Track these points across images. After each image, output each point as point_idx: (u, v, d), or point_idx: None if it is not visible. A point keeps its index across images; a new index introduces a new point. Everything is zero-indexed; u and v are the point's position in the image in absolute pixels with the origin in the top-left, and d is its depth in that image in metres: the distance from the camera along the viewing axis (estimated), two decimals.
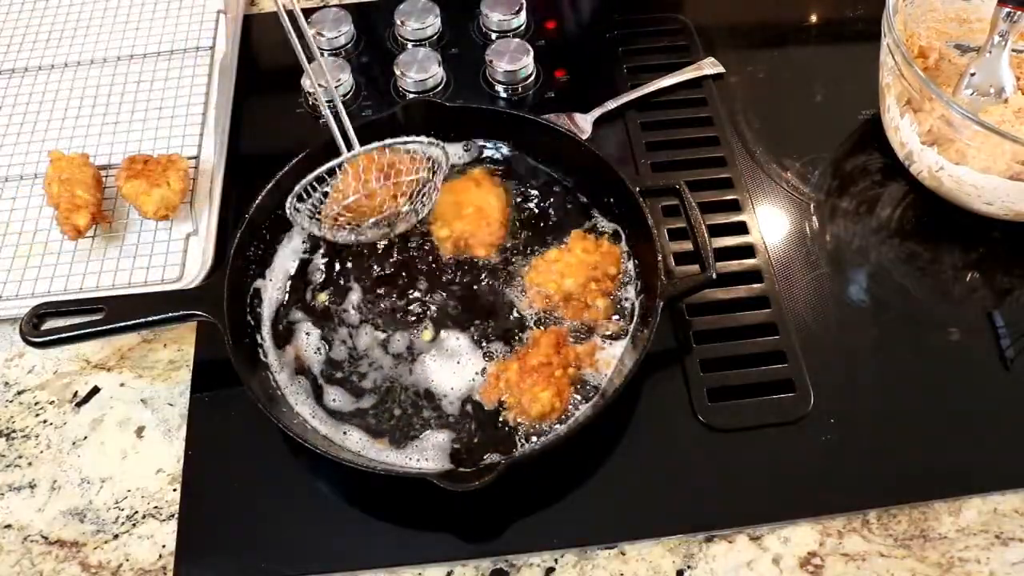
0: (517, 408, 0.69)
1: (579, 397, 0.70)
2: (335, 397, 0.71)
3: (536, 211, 0.82)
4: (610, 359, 0.72)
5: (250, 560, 0.65)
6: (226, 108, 0.92)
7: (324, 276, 0.79)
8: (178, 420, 0.72)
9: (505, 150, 0.85)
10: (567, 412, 0.69)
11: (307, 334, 0.75)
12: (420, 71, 0.92)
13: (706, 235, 0.73)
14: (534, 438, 0.68)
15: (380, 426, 0.70)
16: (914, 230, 0.83)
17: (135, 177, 0.79)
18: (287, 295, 0.78)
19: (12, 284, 0.79)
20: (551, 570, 0.65)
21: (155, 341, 0.78)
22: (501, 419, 0.70)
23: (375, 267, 0.79)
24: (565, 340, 0.72)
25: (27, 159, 0.88)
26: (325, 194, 0.71)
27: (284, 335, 0.75)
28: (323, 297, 0.77)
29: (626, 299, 0.76)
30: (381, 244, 0.79)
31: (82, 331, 0.70)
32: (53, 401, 0.74)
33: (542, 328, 0.74)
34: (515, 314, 0.75)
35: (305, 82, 0.91)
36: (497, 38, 0.97)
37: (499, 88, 0.94)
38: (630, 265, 0.77)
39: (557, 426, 0.68)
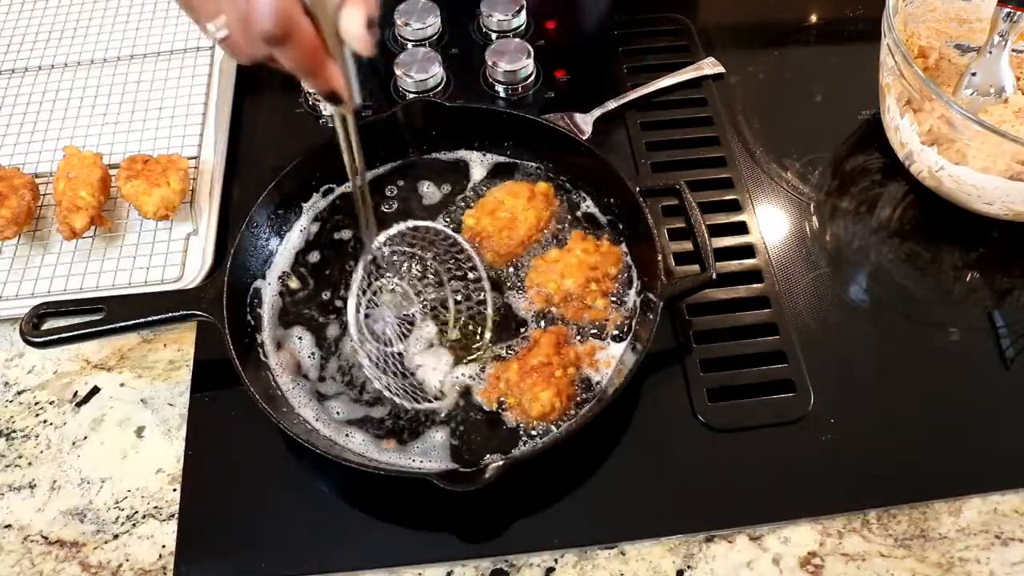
0: (518, 408, 0.69)
1: (580, 397, 0.70)
2: (338, 408, 0.71)
3: None
4: (610, 359, 0.72)
5: (250, 560, 0.65)
6: (226, 108, 0.92)
7: (319, 271, 0.79)
8: (178, 420, 0.72)
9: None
10: (567, 412, 0.69)
11: (300, 338, 0.75)
12: (420, 71, 0.92)
13: (706, 235, 0.73)
14: (535, 438, 0.68)
15: (382, 424, 0.70)
16: (914, 230, 0.83)
17: (135, 177, 0.79)
18: (285, 295, 0.78)
19: (12, 284, 0.79)
20: (551, 570, 0.65)
21: (155, 341, 0.78)
22: (502, 419, 0.70)
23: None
24: (566, 340, 0.72)
25: (27, 159, 0.88)
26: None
27: (282, 336, 0.75)
28: (294, 283, 0.78)
29: (626, 299, 0.76)
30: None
31: (82, 331, 0.70)
32: (53, 401, 0.74)
33: (542, 328, 0.74)
34: (514, 314, 0.75)
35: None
36: (497, 38, 0.97)
37: (499, 88, 0.94)
38: (630, 264, 0.77)
39: (554, 427, 0.68)
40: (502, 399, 0.70)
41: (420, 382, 0.71)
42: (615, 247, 0.78)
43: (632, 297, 0.76)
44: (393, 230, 0.71)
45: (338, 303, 0.77)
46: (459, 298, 0.75)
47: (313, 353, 0.74)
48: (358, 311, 0.69)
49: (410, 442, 0.69)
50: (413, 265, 0.76)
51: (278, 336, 0.75)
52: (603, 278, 0.75)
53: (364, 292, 0.70)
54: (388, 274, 0.74)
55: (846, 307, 0.78)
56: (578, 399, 0.70)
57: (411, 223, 0.72)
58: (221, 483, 0.69)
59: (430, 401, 0.69)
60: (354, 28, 0.48)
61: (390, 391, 0.68)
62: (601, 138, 0.90)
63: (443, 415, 0.70)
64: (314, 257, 0.80)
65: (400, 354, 0.71)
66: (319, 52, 0.49)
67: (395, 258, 0.75)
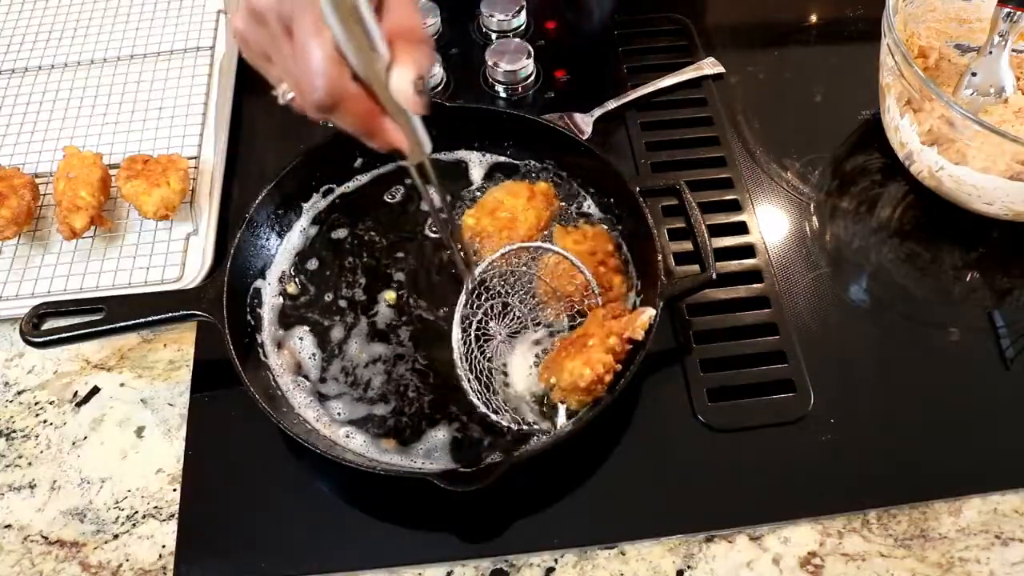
0: (557, 386, 0.68)
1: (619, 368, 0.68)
2: (339, 408, 0.71)
3: None
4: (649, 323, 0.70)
5: (250, 560, 0.65)
6: (226, 108, 0.91)
7: (319, 271, 0.79)
8: (178, 420, 0.72)
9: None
10: (603, 381, 0.66)
11: (300, 339, 0.75)
12: None
13: (706, 235, 0.73)
14: (537, 436, 0.68)
15: (384, 422, 0.70)
16: (914, 230, 0.83)
17: (135, 177, 0.79)
18: (285, 295, 0.78)
19: (12, 284, 0.79)
20: (551, 570, 0.65)
21: (155, 341, 0.78)
22: (547, 399, 0.69)
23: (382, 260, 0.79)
24: (612, 313, 0.70)
25: (27, 159, 0.88)
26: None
27: (282, 337, 0.75)
28: (293, 288, 0.77)
29: (627, 298, 0.76)
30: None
31: (82, 331, 0.70)
32: (53, 401, 0.74)
33: (597, 303, 0.73)
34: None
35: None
36: (497, 38, 0.97)
37: (499, 88, 0.94)
38: (630, 262, 0.77)
39: (554, 427, 0.68)
40: (550, 378, 0.69)
41: (513, 400, 0.70)
42: (598, 227, 0.78)
43: (632, 297, 0.75)
44: (494, 255, 0.72)
45: (341, 303, 0.77)
46: (573, 310, 0.74)
47: (314, 354, 0.74)
48: (464, 334, 0.69)
49: (411, 442, 0.69)
50: (517, 286, 0.75)
51: (278, 336, 0.75)
52: (606, 256, 0.75)
53: (468, 318, 0.71)
54: (492, 297, 0.73)
55: (846, 307, 0.78)
56: (619, 369, 0.67)
57: (508, 247, 0.73)
58: (221, 483, 0.69)
59: (539, 425, 0.68)
60: (403, 88, 0.48)
61: (497, 415, 0.68)
62: (601, 138, 0.90)
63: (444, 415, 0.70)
64: (314, 257, 0.80)
65: (502, 372, 0.71)
66: (373, 115, 0.49)
67: (496, 281, 0.74)
